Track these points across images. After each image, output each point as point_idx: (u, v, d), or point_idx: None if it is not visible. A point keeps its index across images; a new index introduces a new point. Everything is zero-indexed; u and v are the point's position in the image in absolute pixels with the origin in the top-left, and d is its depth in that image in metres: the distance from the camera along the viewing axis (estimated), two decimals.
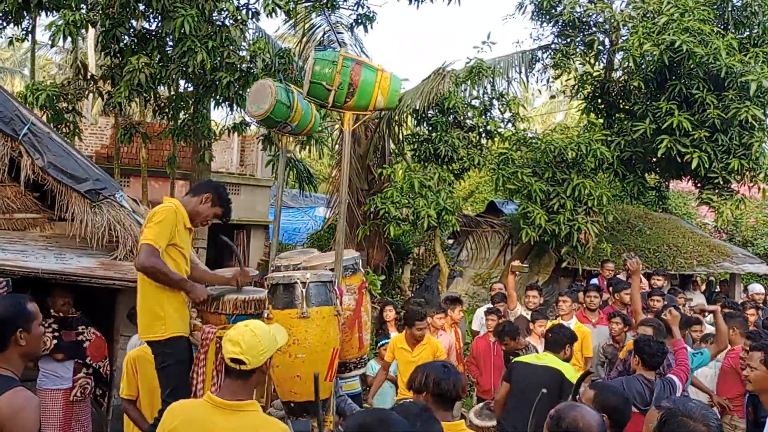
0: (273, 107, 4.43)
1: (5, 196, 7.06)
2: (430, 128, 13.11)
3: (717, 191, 12.50)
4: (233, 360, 2.90)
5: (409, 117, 13.48)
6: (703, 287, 14.20)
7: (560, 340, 5.42)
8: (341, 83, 3.92)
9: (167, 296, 3.88)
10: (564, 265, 12.68)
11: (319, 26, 13.90)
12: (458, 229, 12.94)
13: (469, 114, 13.09)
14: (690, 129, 11.52)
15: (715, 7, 12.41)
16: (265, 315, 3.65)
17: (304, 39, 14.04)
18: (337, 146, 14.74)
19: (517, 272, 8.83)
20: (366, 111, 4.12)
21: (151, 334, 3.88)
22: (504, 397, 5.43)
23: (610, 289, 8.74)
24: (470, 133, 13.08)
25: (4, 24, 10.29)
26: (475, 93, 13.32)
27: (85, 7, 9.64)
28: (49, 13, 9.51)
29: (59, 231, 7.08)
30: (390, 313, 8.22)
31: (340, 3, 12.02)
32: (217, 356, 3.85)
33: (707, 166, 11.63)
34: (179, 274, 3.91)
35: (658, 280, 9.65)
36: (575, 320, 7.40)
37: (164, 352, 3.87)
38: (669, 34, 11.28)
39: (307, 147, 12.89)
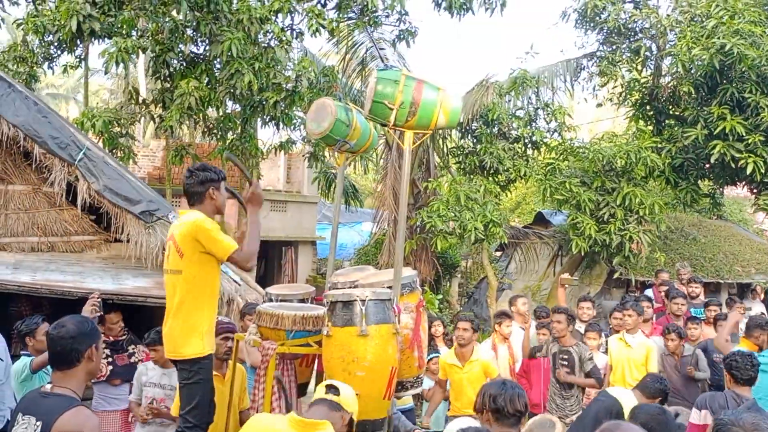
0: (332, 126, 4.47)
1: (63, 219, 7.32)
2: (475, 140, 13.05)
3: None
4: (328, 387, 3.03)
5: (454, 130, 13.45)
6: (762, 296, 13.71)
7: (654, 391, 4.91)
8: (403, 102, 3.91)
9: (208, 313, 3.93)
10: (616, 275, 12.43)
11: (362, 43, 14.01)
12: (506, 242, 12.83)
13: (514, 125, 12.99)
14: (744, 133, 11.21)
15: (766, 8, 12.09)
16: (325, 332, 3.67)
17: (347, 56, 14.17)
18: (382, 161, 14.80)
19: (566, 285, 8.69)
20: (427, 130, 4.10)
21: (191, 352, 3.89)
22: None
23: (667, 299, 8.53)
24: (516, 144, 12.97)
25: (59, 52, 10.68)
26: (519, 103, 13.23)
27: (135, 34, 9.94)
28: (101, 40, 9.83)
29: (115, 252, 7.29)
30: (438, 329, 8.17)
31: (382, 20, 12.10)
32: (281, 372, 3.88)
33: (763, 171, 11.29)
34: (253, 228, 3.94)
35: (696, 287, 9.27)
36: (640, 334, 7.20)
37: (193, 369, 3.90)
38: (719, 38, 11.04)
39: (353, 162, 12.97)
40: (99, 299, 4.78)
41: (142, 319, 6.81)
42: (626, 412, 4.85)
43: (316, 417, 2.97)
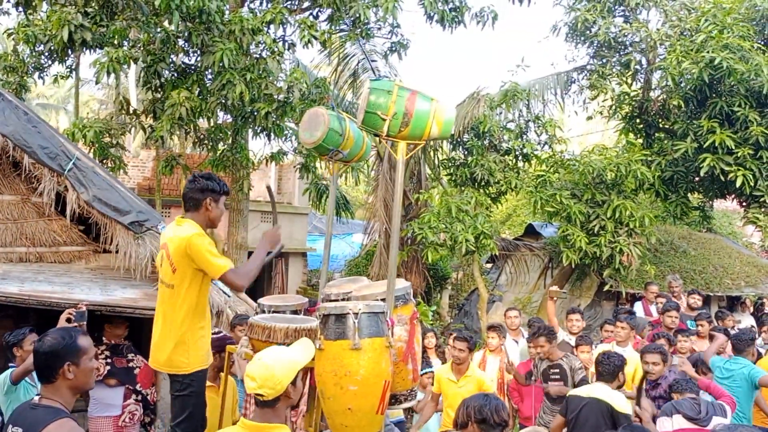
0: (325, 135, 4.46)
1: (52, 230, 7.25)
2: (466, 152, 13.09)
3: (763, 210, 12.18)
4: (255, 393, 2.92)
5: (445, 141, 13.49)
6: (752, 309, 13.78)
7: (611, 370, 5.39)
8: (396, 113, 3.88)
9: (199, 329, 3.94)
10: (606, 288, 12.45)
11: (354, 55, 14.07)
12: (497, 253, 12.83)
13: (505, 137, 13.05)
14: (733, 147, 11.29)
15: (755, 22, 12.21)
16: (317, 345, 3.64)
17: (339, 68, 14.22)
18: (373, 172, 14.81)
19: (555, 297, 8.69)
20: (420, 141, 4.06)
21: (176, 368, 3.92)
22: (558, 429, 5.46)
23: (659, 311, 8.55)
24: (506, 157, 13.02)
25: (50, 62, 10.64)
26: (510, 116, 13.29)
27: (127, 44, 9.92)
28: (92, 51, 9.81)
29: (104, 263, 7.21)
30: (431, 341, 8.13)
31: (374, 32, 12.15)
32: None
33: (752, 184, 11.36)
34: (259, 257, 4.00)
35: (697, 299, 9.36)
36: (630, 348, 7.19)
37: (186, 382, 3.92)
38: (708, 52, 11.13)
39: (344, 174, 12.97)
40: (82, 308, 4.74)
41: (140, 329, 6.77)
42: (615, 407, 4.98)
43: (262, 418, 2.91)
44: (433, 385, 6.72)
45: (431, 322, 11.25)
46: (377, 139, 4.21)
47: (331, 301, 4.04)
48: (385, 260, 12.73)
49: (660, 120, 13.65)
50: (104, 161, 10.09)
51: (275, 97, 9.87)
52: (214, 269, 3.81)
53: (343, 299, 4.03)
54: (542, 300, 13.25)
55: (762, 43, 12.27)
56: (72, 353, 2.91)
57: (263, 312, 4.37)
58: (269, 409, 2.91)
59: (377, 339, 3.61)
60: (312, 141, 4.53)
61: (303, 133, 4.67)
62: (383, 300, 3.87)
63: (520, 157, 13.15)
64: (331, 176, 5.13)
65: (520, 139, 13.01)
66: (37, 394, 2.96)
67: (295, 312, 4.43)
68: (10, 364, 5.00)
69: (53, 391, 2.90)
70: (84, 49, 9.56)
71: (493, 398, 3.30)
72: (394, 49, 12.55)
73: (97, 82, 9.86)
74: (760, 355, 7.14)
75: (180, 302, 3.90)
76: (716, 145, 11.35)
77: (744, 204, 13.00)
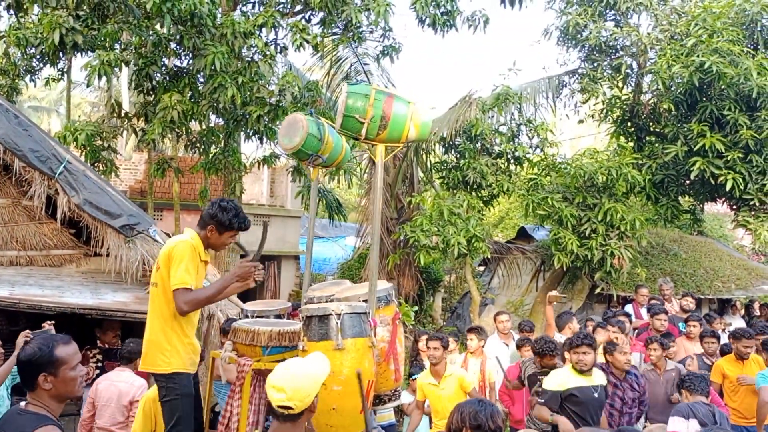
0: (304, 140, 4.50)
1: (42, 233, 7.24)
2: (458, 155, 13.12)
3: (753, 213, 12.24)
4: (280, 406, 2.89)
5: (437, 145, 13.52)
6: (743, 311, 13.85)
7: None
8: (374, 116, 3.93)
9: (176, 333, 3.95)
10: (598, 290, 12.49)
11: (346, 58, 14.09)
12: (489, 256, 12.85)
13: (497, 140, 13.09)
14: (723, 150, 11.35)
15: (744, 27, 12.28)
16: (300, 347, 3.66)
17: (332, 71, 14.24)
18: (365, 175, 14.83)
19: (554, 303, 8.71)
20: (398, 143, 4.12)
21: (155, 367, 3.94)
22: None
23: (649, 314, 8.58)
24: (498, 160, 13.06)
25: (42, 65, 10.63)
26: (502, 119, 13.32)
27: (119, 47, 9.91)
28: (84, 53, 9.80)
29: (95, 266, 7.21)
30: (426, 343, 8.14)
31: (367, 35, 12.17)
32: (253, 389, 3.85)
33: (742, 187, 11.41)
34: (215, 287, 3.94)
35: (690, 302, 9.45)
36: None
37: (167, 386, 3.93)
38: (698, 56, 11.18)
39: (336, 177, 12.98)
40: (46, 327, 4.79)
41: (137, 333, 6.77)
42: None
43: None
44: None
45: (412, 323, 11.24)
46: (357, 141, 4.25)
47: (314, 303, 4.07)
48: (378, 263, 12.74)
49: (651, 123, 13.71)
50: (96, 164, 10.08)
51: (267, 100, 9.88)
52: (173, 280, 3.82)
53: (326, 301, 4.06)
54: (534, 303, 13.28)
55: (751, 47, 12.33)
56: (48, 364, 2.86)
57: (247, 317, 4.40)
58: (291, 424, 2.91)
59: (360, 339, 3.66)
60: (291, 146, 4.57)
61: (282, 138, 4.72)
62: (365, 301, 3.90)
63: (512, 161, 13.20)
64: (312, 181, 5.19)
65: (512, 143, 13.05)
66: (25, 400, 2.95)
67: (278, 316, 4.47)
68: None
69: (37, 398, 2.89)
70: (75, 52, 9.55)
71: (488, 404, 3.31)
72: (386, 52, 12.58)
73: (88, 85, 9.84)
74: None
75: (162, 301, 3.93)
76: (706, 148, 11.41)
77: (734, 207, 13.07)
